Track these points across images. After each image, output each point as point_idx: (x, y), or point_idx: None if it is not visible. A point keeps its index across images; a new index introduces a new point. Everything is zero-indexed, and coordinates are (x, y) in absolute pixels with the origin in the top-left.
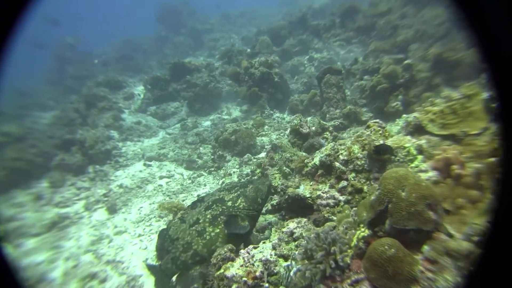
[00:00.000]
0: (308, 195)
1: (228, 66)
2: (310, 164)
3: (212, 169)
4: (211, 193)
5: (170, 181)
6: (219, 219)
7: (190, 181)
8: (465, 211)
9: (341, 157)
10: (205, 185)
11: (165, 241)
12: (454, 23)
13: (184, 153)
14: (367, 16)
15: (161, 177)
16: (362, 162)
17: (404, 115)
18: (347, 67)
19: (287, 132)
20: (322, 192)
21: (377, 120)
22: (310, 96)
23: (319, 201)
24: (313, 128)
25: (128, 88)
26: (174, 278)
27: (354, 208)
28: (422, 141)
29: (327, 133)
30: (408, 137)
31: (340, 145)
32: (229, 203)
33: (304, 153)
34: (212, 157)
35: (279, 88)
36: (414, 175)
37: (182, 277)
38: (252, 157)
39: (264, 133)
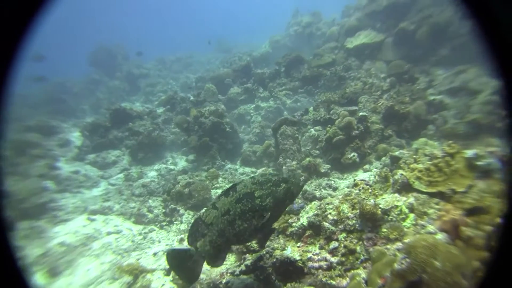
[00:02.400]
0: (298, 258)
1: (172, 114)
2: (296, 225)
3: (164, 223)
4: (244, 182)
5: (119, 237)
6: (247, 215)
7: (141, 237)
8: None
9: (330, 217)
10: (159, 241)
11: (199, 226)
12: (397, 78)
13: (131, 206)
14: (312, 66)
15: (108, 233)
16: (353, 222)
17: (375, 169)
18: (298, 117)
19: None
20: (313, 254)
21: (364, 179)
22: (264, 147)
23: (310, 263)
24: None
25: (63, 134)
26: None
27: (362, 275)
28: (411, 199)
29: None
30: (396, 195)
31: (327, 204)
32: (258, 201)
33: None
34: (164, 210)
35: (230, 138)
36: (442, 243)
37: (217, 257)
38: None
39: (218, 185)
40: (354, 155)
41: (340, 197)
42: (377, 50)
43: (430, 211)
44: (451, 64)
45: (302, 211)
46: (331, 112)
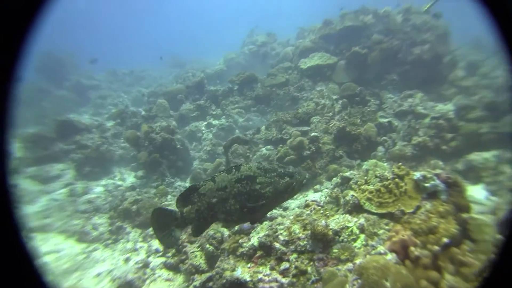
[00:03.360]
0: (248, 279)
1: (122, 128)
2: (246, 245)
3: (110, 241)
4: (249, 165)
5: (59, 257)
6: (243, 197)
7: (84, 256)
8: None
9: (281, 237)
10: (103, 261)
11: (192, 193)
12: (349, 99)
13: (75, 223)
14: (266, 85)
15: (47, 253)
16: (305, 242)
17: (326, 190)
18: (250, 136)
19: None
20: (264, 275)
21: (315, 199)
22: (215, 165)
23: (261, 285)
24: None
25: None
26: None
27: None
28: (362, 220)
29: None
30: (348, 216)
31: (278, 224)
32: (258, 187)
33: (225, 229)
34: (110, 228)
35: (180, 155)
36: (392, 264)
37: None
38: None
39: (167, 203)
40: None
41: (291, 217)
42: (330, 72)
43: (380, 231)
44: (400, 89)
45: (253, 231)
46: (283, 132)
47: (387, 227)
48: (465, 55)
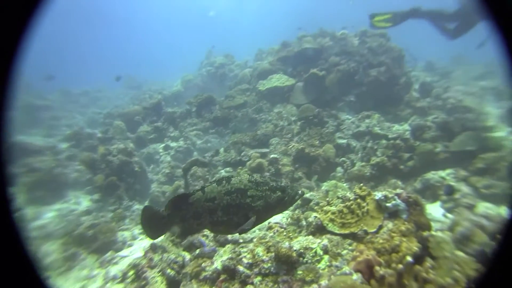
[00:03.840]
0: None
1: (77, 150)
2: (209, 269)
3: (63, 269)
4: (240, 177)
5: None
6: (231, 209)
7: None
8: None
9: (245, 260)
10: None
11: (181, 201)
12: (307, 121)
13: None
14: (224, 107)
15: None
16: (269, 265)
17: (287, 212)
18: (208, 158)
19: None
20: None
21: (278, 221)
22: (173, 187)
23: None
24: None
25: None
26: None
27: None
28: (325, 240)
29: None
30: (311, 237)
31: (242, 247)
32: (248, 200)
33: (187, 253)
34: (63, 255)
35: (138, 178)
36: (359, 284)
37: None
38: (115, 254)
39: (125, 227)
40: None
41: (254, 240)
42: (289, 94)
43: (344, 252)
44: (357, 110)
45: (215, 254)
46: (242, 154)
47: (350, 247)
48: (418, 76)
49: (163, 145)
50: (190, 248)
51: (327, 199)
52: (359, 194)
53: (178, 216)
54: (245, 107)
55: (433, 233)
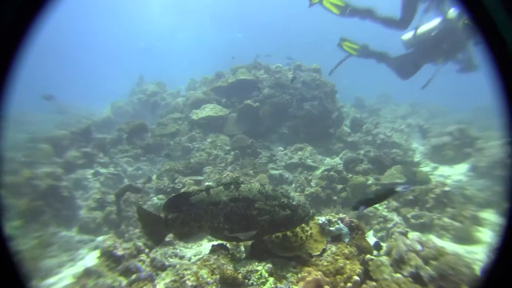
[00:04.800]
0: None
1: None
2: None
3: None
4: (250, 186)
5: None
6: (234, 218)
7: None
8: None
9: (188, 282)
10: None
11: (181, 200)
12: (241, 151)
13: None
14: (156, 135)
15: None
16: (214, 287)
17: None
18: (140, 185)
19: (85, 252)
20: None
21: (223, 243)
22: (105, 213)
23: None
24: (128, 250)
25: None
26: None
27: None
28: (270, 263)
29: (143, 255)
30: (256, 260)
31: (185, 270)
32: (254, 212)
33: (123, 278)
34: None
35: (66, 203)
36: None
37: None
38: (41, 283)
39: (52, 254)
40: (198, 224)
41: (198, 262)
42: (222, 124)
43: (288, 274)
44: (290, 142)
45: (158, 278)
46: (175, 181)
47: (295, 270)
48: (349, 112)
49: (92, 171)
50: (126, 273)
51: None
52: None
53: (178, 219)
54: (177, 135)
55: (373, 257)
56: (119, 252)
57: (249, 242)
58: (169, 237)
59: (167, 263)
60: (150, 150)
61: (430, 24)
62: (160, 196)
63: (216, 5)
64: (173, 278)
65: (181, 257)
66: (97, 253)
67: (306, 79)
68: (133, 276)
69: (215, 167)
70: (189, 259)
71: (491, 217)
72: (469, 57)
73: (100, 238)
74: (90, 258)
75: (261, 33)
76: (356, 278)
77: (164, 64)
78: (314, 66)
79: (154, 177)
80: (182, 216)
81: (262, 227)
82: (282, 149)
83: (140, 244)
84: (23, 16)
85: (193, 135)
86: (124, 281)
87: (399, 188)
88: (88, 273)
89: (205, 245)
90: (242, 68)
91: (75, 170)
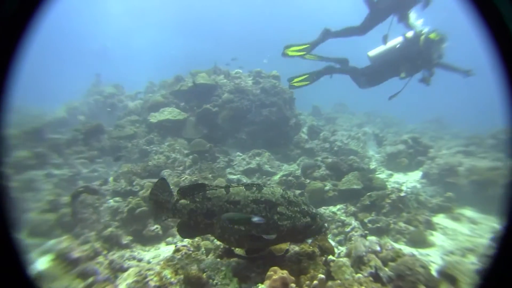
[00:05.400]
0: None
1: None
2: None
3: None
4: (273, 189)
5: None
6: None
7: None
8: None
9: (151, 283)
10: None
11: (198, 190)
12: (199, 155)
13: None
14: (113, 137)
15: None
16: (177, 287)
17: (180, 243)
18: (96, 187)
19: (36, 256)
20: None
21: (186, 244)
22: (59, 216)
23: None
24: (85, 252)
25: None
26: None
27: None
28: (233, 263)
29: (101, 257)
30: (219, 260)
31: (148, 270)
32: (276, 217)
33: (80, 281)
34: None
35: (15, 205)
36: None
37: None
38: None
39: None
40: (157, 228)
41: (161, 262)
42: (180, 127)
43: (253, 274)
44: (248, 147)
45: (119, 279)
46: (133, 184)
47: (258, 270)
48: (306, 120)
49: (45, 172)
50: (83, 276)
51: None
52: None
53: (187, 208)
54: (135, 138)
55: (334, 258)
56: (75, 254)
57: (212, 245)
58: (126, 239)
59: (125, 265)
60: (107, 152)
61: (394, 40)
62: (117, 198)
63: (176, 11)
64: (135, 278)
65: (139, 260)
66: (50, 256)
67: (265, 86)
68: (90, 279)
69: (173, 170)
70: (148, 262)
71: (443, 221)
72: (431, 72)
73: (52, 241)
74: (42, 262)
75: (224, 41)
76: (322, 276)
77: (121, 66)
78: (273, 73)
79: (111, 179)
80: (193, 206)
81: (281, 232)
82: (240, 154)
83: (97, 246)
84: None
85: (151, 138)
86: (81, 284)
87: (255, 219)
88: (40, 276)
89: (163, 248)
90: (202, 73)
91: (25, 171)
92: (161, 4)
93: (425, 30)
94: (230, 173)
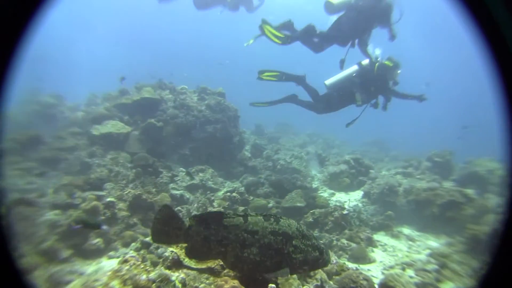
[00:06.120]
0: None
1: None
2: None
3: None
4: (289, 222)
5: None
6: (269, 252)
7: None
8: None
9: None
10: None
11: (213, 219)
12: (142, 169)
13: None
14: (53, 148)
15: None
16: None
17: (127, 255)
18: (34, 199)
19: None
20: None
21: (134, 255)
22: None
23: None
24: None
25: None
26: None
27: None
28: (183, 274)
29: (41, 270)
30: (168, 271)
31: (95, 281)
32: (291, 249)
33: None
34: None
35: None
36: None
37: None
38: None
39: None
40: (98, 241)
41: (109, 273)
42: (124, 141)
43: (201, 285)
44: (191, 163)
45: None
46: (74, 196)
47: (208, 281)
48: (249, 138)
49: None
50: None
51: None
52: None
53: (201, 234)
54: (76, 150)
55: None
56: None
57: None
58: (66, 253)
59: (66, 279)
60: (46, 163)
61: (350, 68)
62: (56, 211)
63: (121, 25)
64: None
65: (81, 274)
66: None
67: (210, 103)
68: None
69: (117, 184)
70: (89, 275)
71: (383, 238)
72: (388, 98)
73: None
74: None
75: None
76: (272, 285)
77: (62, 76)
78: (219, 90)
79: (50, 191)
80: (207, 233)
81: (294, 265)
82: (184, 170)
83: (35, 260)
84: None
85: (93, 150)
86: None
87: (103, 227)
88: None
89: (105, 263)
90: (148, 87)
91: None
92: (105, 17)
93: (380, 57)
94: (174, 188)
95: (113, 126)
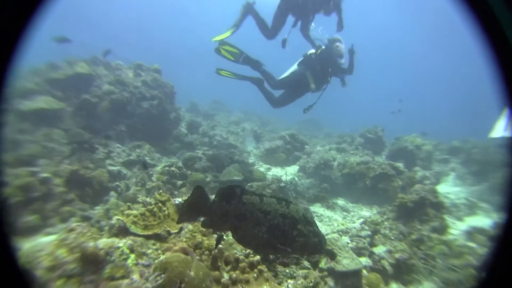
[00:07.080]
0: None
1: None
2: None
3: None
4: (297, 207)
5: None
6: (276, 232)
7: None
8: None
9: (44, 263)
10: None
11: (237, 193)
12: (78, 145)
13: None
14: None
15: None
16: (74, 266)
17: (67, 230)
18: None
19: None
20: None
21: (80, 223)
22: None
23: None
24: None
25: None
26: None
27: None
28: (130, 241)
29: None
30: (115, 238)
31: (38, 251)
32: (294, 233)
33: None
34: None
35: None
36: (190, 258)
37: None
38: None
39: None
40: (34, 218)
41: (54, 242)
42: (57, 117)
43: (149, 251)
44: (127, 140)
45: None
46: (5, 173)
47: (155, 247)
48: (185, 115)
49: None
50: None
51: (128, 204)
52: (159, 199)
53: (222, 209)
54: (3, 127)
55: (226, 238)
56: None
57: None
58: None
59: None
60: None
61: (297, 61)
62: None
63: None
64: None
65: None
66: None
67: (146, 79)
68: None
69: (52, 160)
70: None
71: (319, 210)
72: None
73: None
74: None
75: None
76: (220, 246)
77: None
78: (155, 66)
79: None
80: (228, 208)
81: (295, 247)
82: (120, 146)
83: None
84: None
85: (23, 127)
86: None
87: None
88: None
89: (42, 239)
90: (82, 62)
91: None
92: None
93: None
94: (110, 165)
95: (45, 102)
